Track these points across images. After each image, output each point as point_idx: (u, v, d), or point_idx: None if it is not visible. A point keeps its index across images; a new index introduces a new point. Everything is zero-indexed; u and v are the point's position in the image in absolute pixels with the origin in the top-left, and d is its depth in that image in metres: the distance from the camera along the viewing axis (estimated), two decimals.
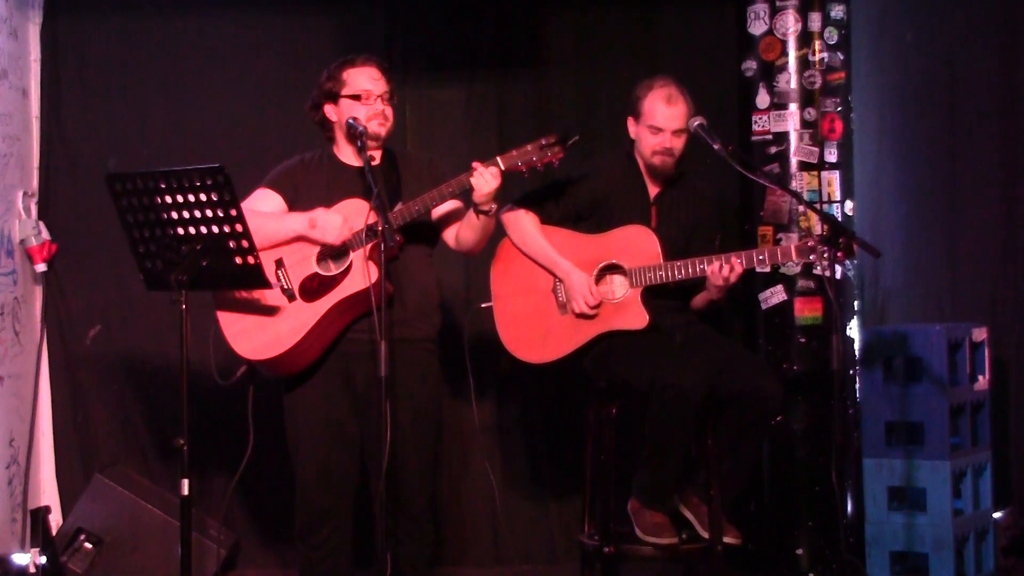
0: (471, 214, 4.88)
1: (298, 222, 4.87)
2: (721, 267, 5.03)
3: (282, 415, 5.02)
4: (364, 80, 4.97)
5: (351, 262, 4.83)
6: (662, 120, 5.25)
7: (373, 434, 4.74)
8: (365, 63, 5.01)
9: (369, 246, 4.76)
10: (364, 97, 4.96)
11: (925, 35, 6.88)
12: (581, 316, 5.21)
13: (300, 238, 4.87)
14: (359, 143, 4.83)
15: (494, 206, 4.84)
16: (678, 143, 5.26)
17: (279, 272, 4.87)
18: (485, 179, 4.75)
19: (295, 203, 4.98)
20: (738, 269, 5.05)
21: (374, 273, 4.69)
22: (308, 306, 4.85)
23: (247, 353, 4.89)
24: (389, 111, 5.01)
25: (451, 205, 5.00)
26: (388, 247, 4.54)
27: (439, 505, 6.05)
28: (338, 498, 4.96)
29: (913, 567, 6.02)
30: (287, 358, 4.86)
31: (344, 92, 4.97)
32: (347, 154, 5.04)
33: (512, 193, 5.37)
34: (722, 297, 5.20)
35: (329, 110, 5.02)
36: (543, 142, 4.78)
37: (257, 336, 4.87)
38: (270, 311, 4.87)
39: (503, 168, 4.77)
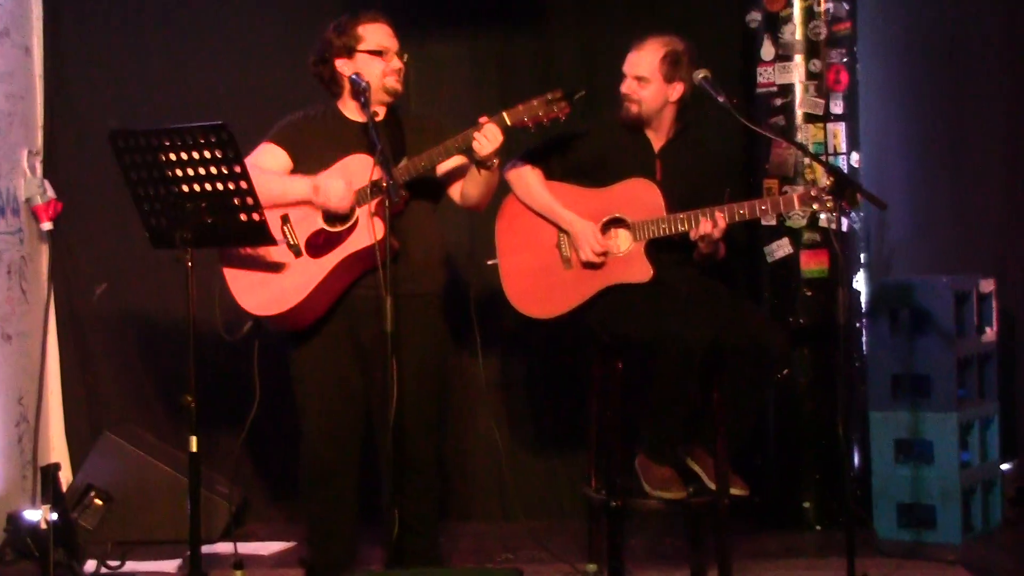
0: (474, 168, 4.87)
1: (302, 187, 4.86)
2: (703, 223, 5.02)
3: (288, 371, 5.03)
4: (382, 36, 4.98)
5: (357, 218, 4.83)
6: (625, 64, 5.27)
7: (379, 389, 4.75)
8: (376, 19, 5.00)
9: (374, 202, 4.76)
10: (385, 53, 4.96)
11: None
12: (588, 265, 5.21)
13: (304, 202, 4.87)
14: (362, 99, 4.81)
15: (496, 161, 4.84)
16: (640, 91, 5.23)
17: (285, 228, 4.87)
18: (489, 135, 4.74)
19: (299, 158, 4.98)
20: (721, 224, 5.04)
21: (380, 229, 4.68)
22: (314, 262, 4.85)
23: (253, 308, 4.90)
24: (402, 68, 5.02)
25: (456, 161, 4.99)
26: (393, 202, 4.54)
27: (445, 460, 6.06)
28: (343, 454, 4.98)
29: (920, 519, 6.03)
30: (293, 314, 4.87)
31: (361, 47, 4.96)
32: (351, 109, 5.03)
33: (516, 149, 5.37)
34: (712, 251, 5.18)
35: (342, 64, 4.99)
36: (549, 97, 4.77)
37: (263, 292, 4.88)
38: (276, 267, 4.88)
39: (509, 123, 4.76)
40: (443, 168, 5.01)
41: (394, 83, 4.98)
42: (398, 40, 5.03)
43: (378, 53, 4.96)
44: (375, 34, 4.98)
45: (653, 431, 5.13)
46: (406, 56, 5.06)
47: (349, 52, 4.97)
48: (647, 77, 5.21)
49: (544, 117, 4.77)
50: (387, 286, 4.46)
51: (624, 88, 5.26)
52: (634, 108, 5.26)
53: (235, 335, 4.91)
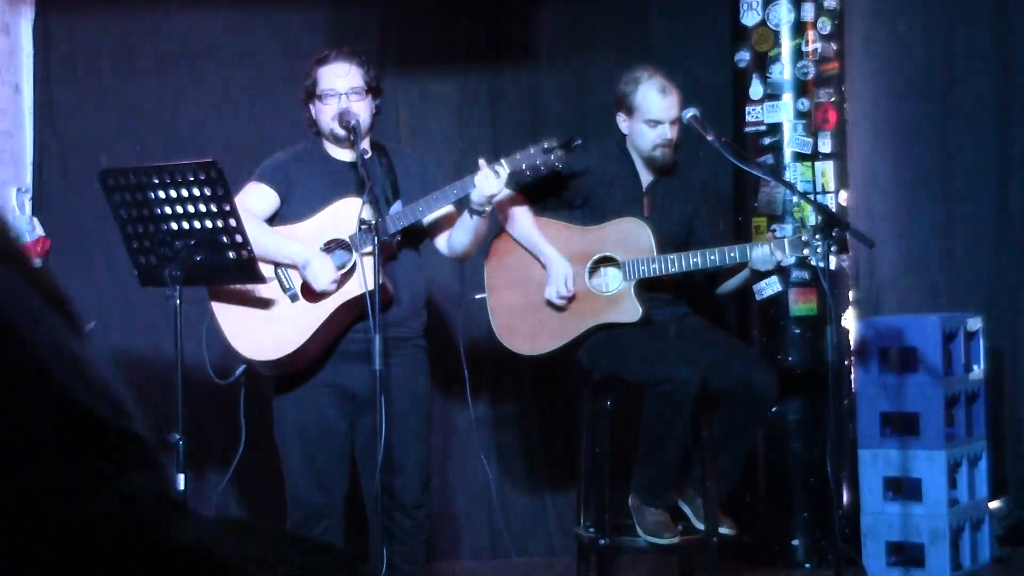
0: (466, 214, 4.84)
1: (297, 255, 4.80)
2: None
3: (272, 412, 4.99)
4: (330, 78, 4.88)
5: (353, 263, 4.78)
6: (660, 112, 5.21)
7: (368, 431, 4.72)
8: (335, 60, 4.90)
9: (369, 248, 4.71)
10: (322, 97, 4.88)
11: (919, 24, 6.88)
12: (550, 305, 5.20)
13: (293, 266, 4.83)
14: (351, 138, 4.78)
15: (489, 208, 4.82)
16: (676, 133, 5.26)
17: (279, 271, 4.83)
18: (489, 180, 4.72)
19: (288, 197, 4.93)
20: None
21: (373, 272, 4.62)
22: (311, 307, 4.79)
23: (249, 353, 4.82)
24: (357, 107, 4.85)
25: (445, 210, 4.95)
26: (384, 241, 4.52)
27: (434, 499, 6.04)
28: (330, 497, 4.93)
29: (909, 557, 6.03)
30: (290, 359, 4.81)
31: (316, 91, 4.92)
32: (335, 148, 4.99)
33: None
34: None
35: (310, 108, 4.98)
36: (545, 145, 4.75)
37: (260, 336, 4.81)
38: (272, 311, 4.83)
39: (507, 170, 4.75)
40: (430, 218, 4.96)
41: (337, 128, 4.82)
42: (364, 76, 4.88)
43: (319, 96, 4.89)
44: (323, 77, 4.88)
45: (645, 472, 5.12)
46: (373, 94, 4.90)
47: (308, 96, 4.95)
48: (680, 117, 5.23)
49: (542, 165, 4.76)
50: (377, 327, 4.44)
51: (667, 134, 5.23)
52: (671, 152, 5.28)
53: (227, 379, 4.86)
